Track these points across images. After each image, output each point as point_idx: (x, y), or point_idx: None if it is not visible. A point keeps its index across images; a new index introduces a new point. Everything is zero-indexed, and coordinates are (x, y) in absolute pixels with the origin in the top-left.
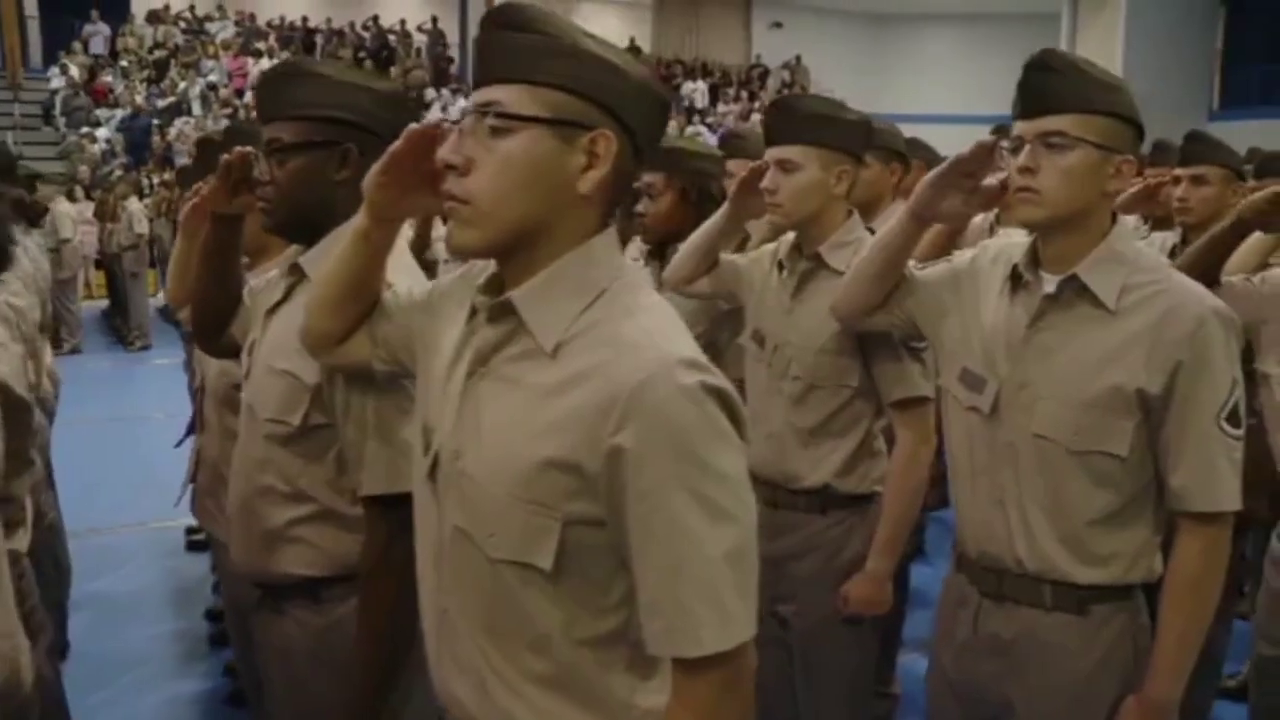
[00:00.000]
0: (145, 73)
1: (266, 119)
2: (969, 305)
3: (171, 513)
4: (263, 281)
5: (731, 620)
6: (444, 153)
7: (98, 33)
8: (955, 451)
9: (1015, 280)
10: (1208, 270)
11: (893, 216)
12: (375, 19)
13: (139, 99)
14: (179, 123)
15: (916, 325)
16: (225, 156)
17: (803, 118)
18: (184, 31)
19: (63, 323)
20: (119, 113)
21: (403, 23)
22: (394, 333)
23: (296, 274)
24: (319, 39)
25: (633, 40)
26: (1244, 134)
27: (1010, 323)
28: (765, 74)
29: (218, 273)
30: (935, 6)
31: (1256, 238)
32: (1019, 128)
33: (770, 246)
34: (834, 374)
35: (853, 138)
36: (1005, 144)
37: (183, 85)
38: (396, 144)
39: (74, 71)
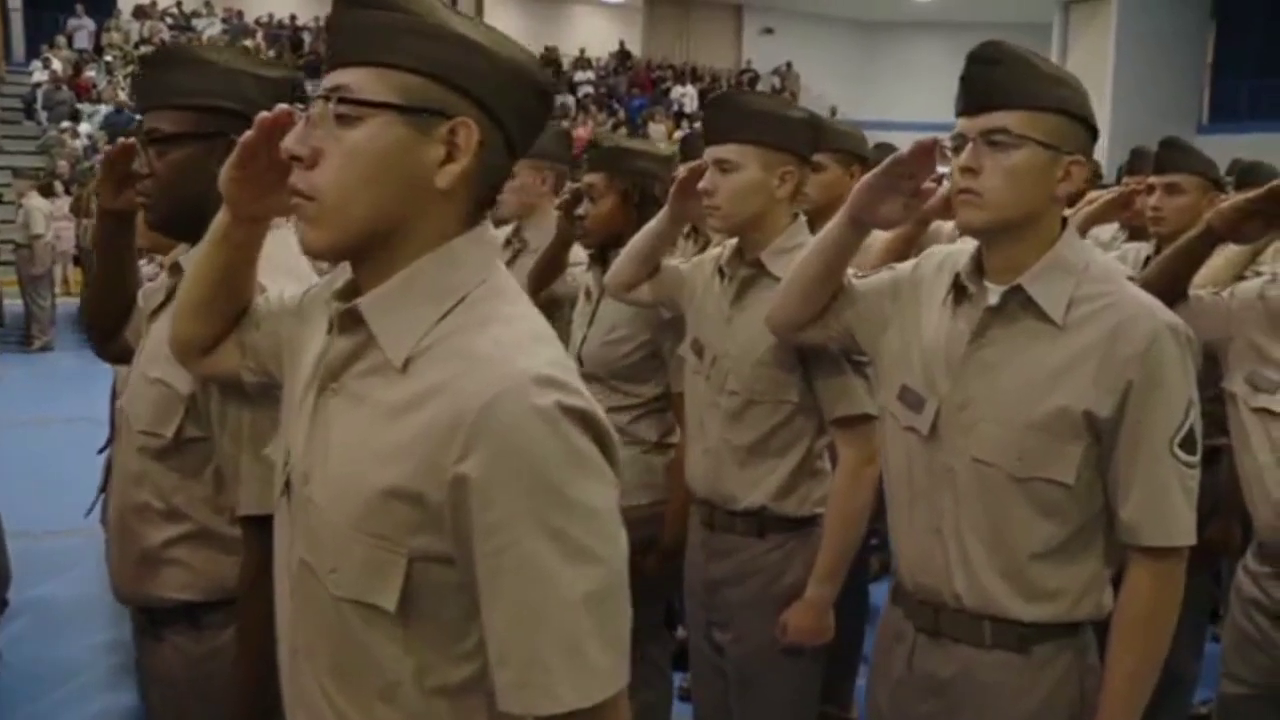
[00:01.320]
0: (129, 68)
1: (145, 108)
2: (910, 317)
3: None
4: (157, 283)
5: (594, 674)
6: (288, 143)
7: (82, 27)
8: (893, 475)
9: (958, 291)
10: (1175, 282)
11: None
12: None
13: (122, 94)
14: None
15: (855, 339)
16: (107, 149)
17: (742, 115)
18: (170, 27)
19: (34, 320)
20: (102, 108)
21: None
22: (263, 341)
23: (178, 274)
24: (306, 37)
25: (622, 44)
26: (1233, 147)
27: (952, 337)
28: (755, 79)
29: (109, 272)
30: (926, 14)
31: (1231, 249)
32: (961, 125)
33: (714, 251)
34: (772, 388)
35: (797, 136)
36: (948, 143)
37: None
38: (247, 134)
39: (57, 65)
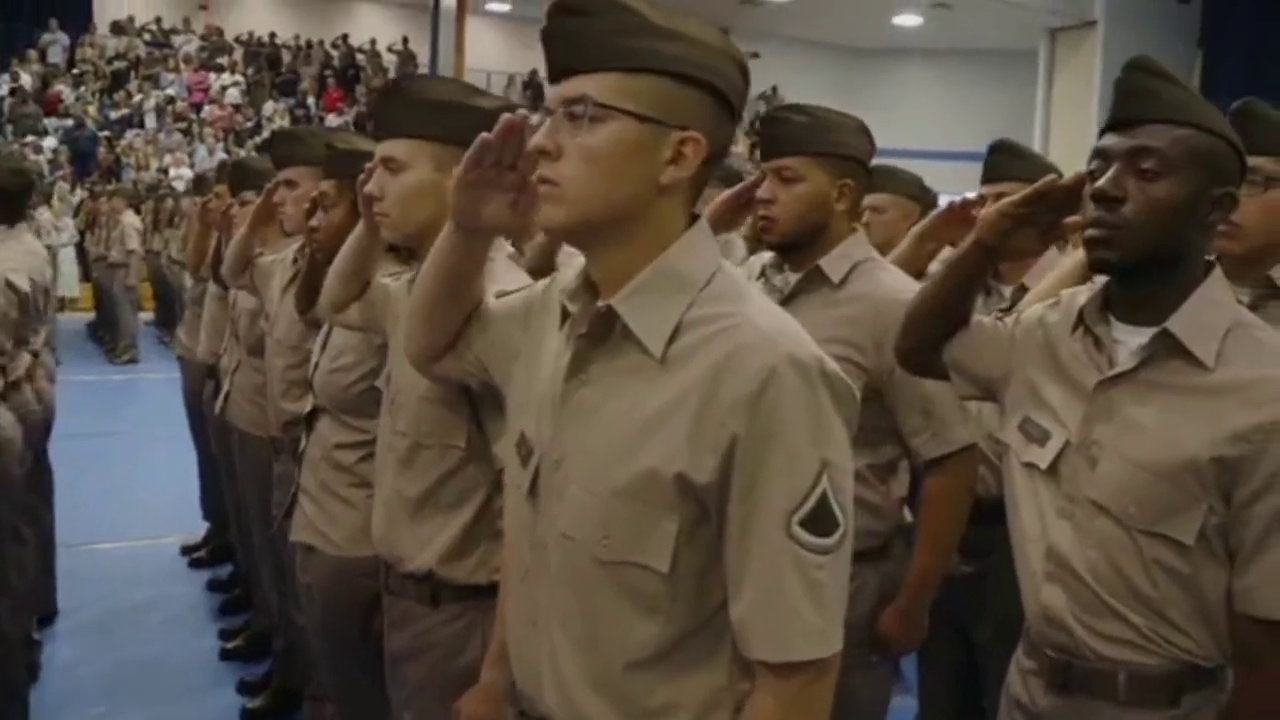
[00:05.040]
0: (100, 83)
1: None
2: (534, 346)
3: None
4: None
5: None
6: None
7: (55, 41)
8: (507, 543)
9: (566, 313)
10: (952, 306)
11: None
12: (344, 37)
13: (90, 110)
14: (130, 135)
15: (490, 373)
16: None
17: (413, 105)
18: (148, 44)
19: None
20: (69, 123)
21: (373, 42)
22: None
23: None
24: (285, 55)
25: None
26: None
27: (557, 372)
28: None
29: None
30: (913, 41)
31: (1067, 263)
32: (548, 95)
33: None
34: (439, 430)
35: (482, 130)
36: (536, 120)
37: (138, 98)
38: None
39: (25, 80)
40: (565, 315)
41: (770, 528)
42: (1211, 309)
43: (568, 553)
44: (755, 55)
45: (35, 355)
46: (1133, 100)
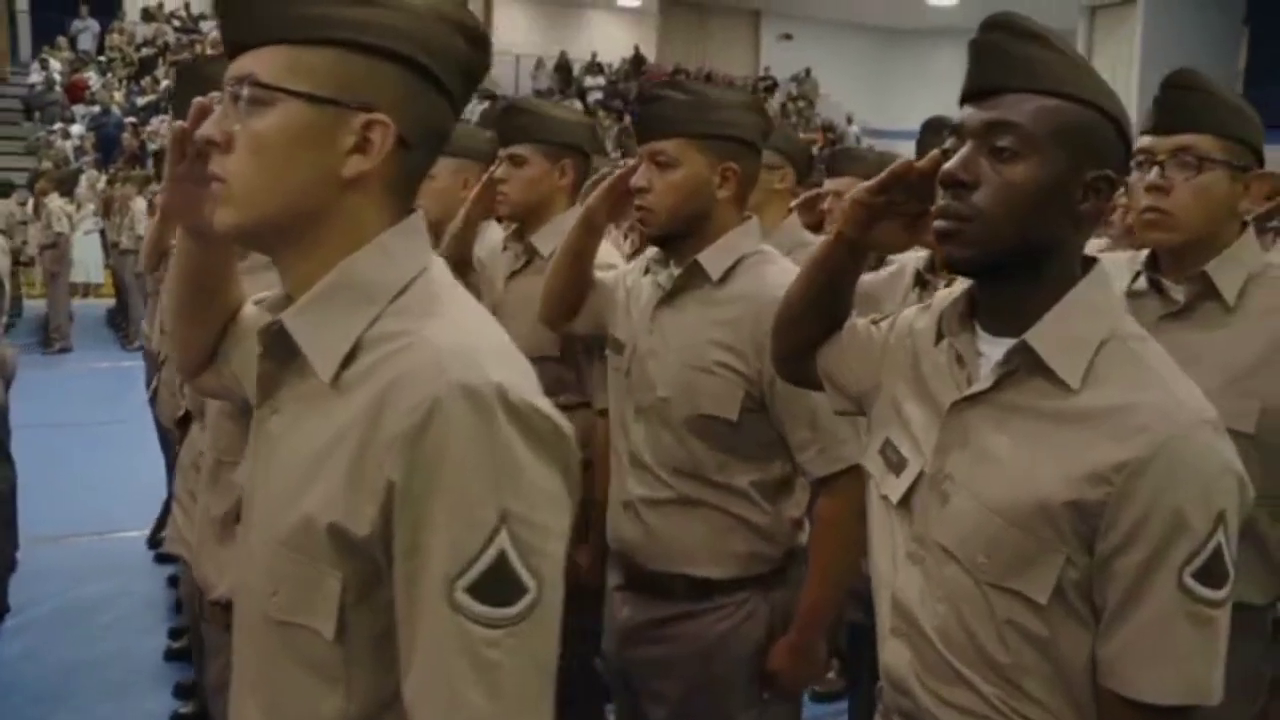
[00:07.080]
0: (127, 70)
1: None
2: None
3: None
4: None
5: None
6: None
7: (86, 29)
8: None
9: None
10: (819, 308)
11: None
12: None
13: (117, 96)
14: (155, 121)
15: (246, 389)
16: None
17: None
18: (176, 30)
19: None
20: (96, 109)
21: None
22: None
23: None
24: None
25: (637, 49)
26: (1267, 156)
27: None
28: (773, 86)
29: None
30: (946, 21)
31: None
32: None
33: None
34: (235, 446)
35: None
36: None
37: (165, 83)
38: None
39: (55, 66)
40: None
41: (432, 595)
42: (1083, 317)
43: (246, 608)
44: (788, 37)
45: None
46: (989, 66)
